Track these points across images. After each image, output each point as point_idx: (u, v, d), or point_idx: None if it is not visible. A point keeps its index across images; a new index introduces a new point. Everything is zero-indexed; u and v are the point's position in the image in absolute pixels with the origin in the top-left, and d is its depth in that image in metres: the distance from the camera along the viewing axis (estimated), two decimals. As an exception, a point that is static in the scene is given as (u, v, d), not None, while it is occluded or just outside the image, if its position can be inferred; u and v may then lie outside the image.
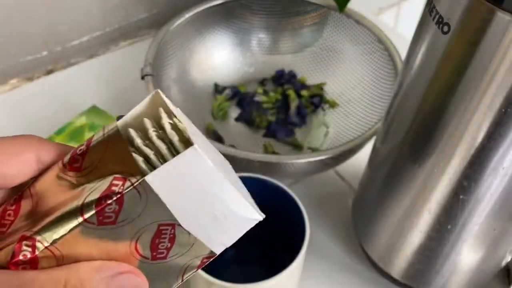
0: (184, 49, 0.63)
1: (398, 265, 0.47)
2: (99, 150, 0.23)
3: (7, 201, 0.24)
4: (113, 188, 0.20)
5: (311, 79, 0.67)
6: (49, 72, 0.69)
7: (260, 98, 0.64)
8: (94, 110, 0.56)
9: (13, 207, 0.23)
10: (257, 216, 0.23)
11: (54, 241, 0.20)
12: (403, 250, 0.45)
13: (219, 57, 0.66)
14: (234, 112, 0.64)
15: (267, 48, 0.68)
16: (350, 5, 0.59)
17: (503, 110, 0.32)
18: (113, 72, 0.69)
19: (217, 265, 0.43)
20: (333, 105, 0.64)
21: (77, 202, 0.21)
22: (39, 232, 0.20)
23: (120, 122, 0.24)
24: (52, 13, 0.66)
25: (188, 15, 0.61)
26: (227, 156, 0.48)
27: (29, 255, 0.20)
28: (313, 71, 0.67)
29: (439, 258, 0.43)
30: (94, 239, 0.21)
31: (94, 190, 0.21)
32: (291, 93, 0.64)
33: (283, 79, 0.66)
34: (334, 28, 0.65)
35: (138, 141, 0.22)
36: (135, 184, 0.20)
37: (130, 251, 0.22)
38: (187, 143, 0.22)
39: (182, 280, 0.23)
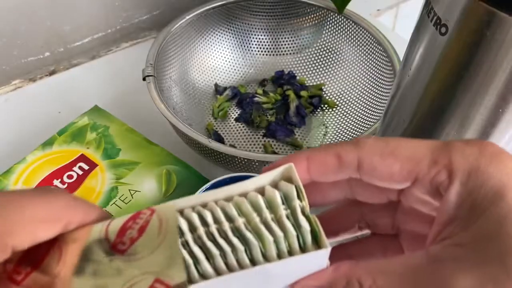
0: (185, 50, 0.63)
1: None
2: (150, 240, 0.22)
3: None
4: None
5: (311, 80, 0.67)
6: (52, 73, 0.70)
7: (260, 98, 0.65)
8: (96, 110, 0.56)
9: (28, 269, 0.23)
10: None
11: None
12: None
13: (220, 58, 0.67)
14: (234, 112, 0.64)
15: (267, 49, 0.69)
16: (349, 7, 0.59)
17: (500, 110, 0.33)
18: (115, 73, 0.69)
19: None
20: (332, 105, 0.64)
21: None
22: None
23: (180, 205, 0.23)
24: (54, 14, 0.66)
25: (189, 16, 0.61)
26: (227, 156, 0.49)
27: None
28: (312, 72, 0.67)
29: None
30: None
31: (134, 285, 0.21)
32: (291, 93, 0.64)
33: (282, 79, 0.67)
34: (333, 30, 0.66)
35: (189, 238, 0.22)
36: None
37: None
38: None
39: None
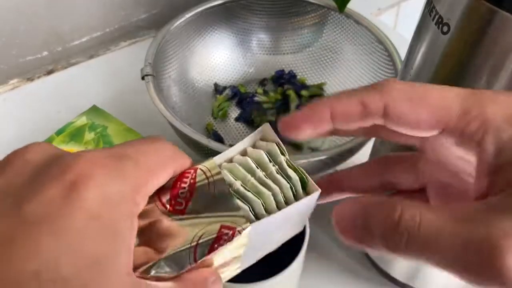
0: (184, 49, 0.63)
1: (398, 265, 0.47)
2: (202, 195, 0.25)
3: None
4: (224, 237, 0.23)
5: (311, 79, 0.67)
6: (50, 72, 0.69)
7: (260, 98, 0.64)
8: (94, 110, 0.56)
9: None
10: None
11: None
12: (402, 250, 0.45)
13: (219, 57, 0.66)
14: (234, 112, 0.64)
15: (267, 48, 0.68)
16: (350, 6, 0.59)
17: (503, 110, 0.32)
18: (113, 72, 0.69)
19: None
20: (333, 105, 0.64)
21: (190, 244, 0.23)
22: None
23: (218, 161, 0.26)
24: (52, 13, 0.66)
25: (188, 15, 0.61)
26: (227, 156, 0.49)
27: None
28: (313, 71, 0.67)
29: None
30: None
31: (204, 234, 0.24)
32: (291, 93, 0.64)
33: (283, 79, 0.66)
34: (334, 29, 0.65)
35: (238, 185, 0.25)
36: (242, 233, 0.24)
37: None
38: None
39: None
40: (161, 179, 0.24)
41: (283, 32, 0.68)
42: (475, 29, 0.31)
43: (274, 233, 0.27)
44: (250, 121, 0.62)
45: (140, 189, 0.22)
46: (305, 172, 0.26)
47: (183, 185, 0.25)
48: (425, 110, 0.23)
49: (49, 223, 0.18)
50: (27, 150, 0.21)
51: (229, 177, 0.25)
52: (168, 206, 0.24)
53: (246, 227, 0.24)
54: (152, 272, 0.22)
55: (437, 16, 0.33)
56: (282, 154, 0.26)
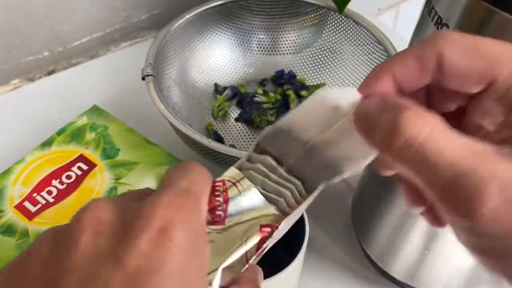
0: (185, 50, 0.63)
1: (398, 265, 0.47)
2: (235, 203, 0.26)
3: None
4: (266, 235, 0.26)
5: (311, 80, 0.67)
6: (50, 72, 0.70)
7: (260, 98, 0.64)
8: (95, 110, 0.56)
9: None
10: None
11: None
12: (402, 250, 0.45)
13: (219, 58, 0.67)
14: (234, 112, 0.64)
15: (267, 48, 0.68)
16: (350, 6, 0.59)
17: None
18: (114, 72, 0.69)
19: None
20: (332, 105, 0.64)
21: (242, 251, 0.25)
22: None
23: (237, 170, 0.28)
24: (53, 14, 0.66)
25: (188, 15, 0.61)
26: (227, 156, 0.49)
27: None
28: (312, 72, 0.67)
29: (439, 257, 0.43)
30: None
31: (249, 238, 0.25)
32: (291, 93, 0.64)
33: (282, 79, 0.67)
34: (334, 29, 0.65)
35: (260, 189, 0.27)
36: (278, 227, 0.26)
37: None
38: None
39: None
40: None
41: (283, 32, 0.68)
42: (474, 30, 0.31)
43: (288, 226, 0.29)
44: (250, 121, 0.62)
45: (204, 217, 0.24)
46: None
47: (218, 198, 0.26)
48: (477, 58, 0.22)
49: (155, 271, 0.19)
50: (91, 209, 0.22)
51: (250, 184, 0.27)
52: (209, 219, 0.26)
53: (282, 222, 0.26)
54: (215, 284, 0.24)
55: (436, 17, 0.33)
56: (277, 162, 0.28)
